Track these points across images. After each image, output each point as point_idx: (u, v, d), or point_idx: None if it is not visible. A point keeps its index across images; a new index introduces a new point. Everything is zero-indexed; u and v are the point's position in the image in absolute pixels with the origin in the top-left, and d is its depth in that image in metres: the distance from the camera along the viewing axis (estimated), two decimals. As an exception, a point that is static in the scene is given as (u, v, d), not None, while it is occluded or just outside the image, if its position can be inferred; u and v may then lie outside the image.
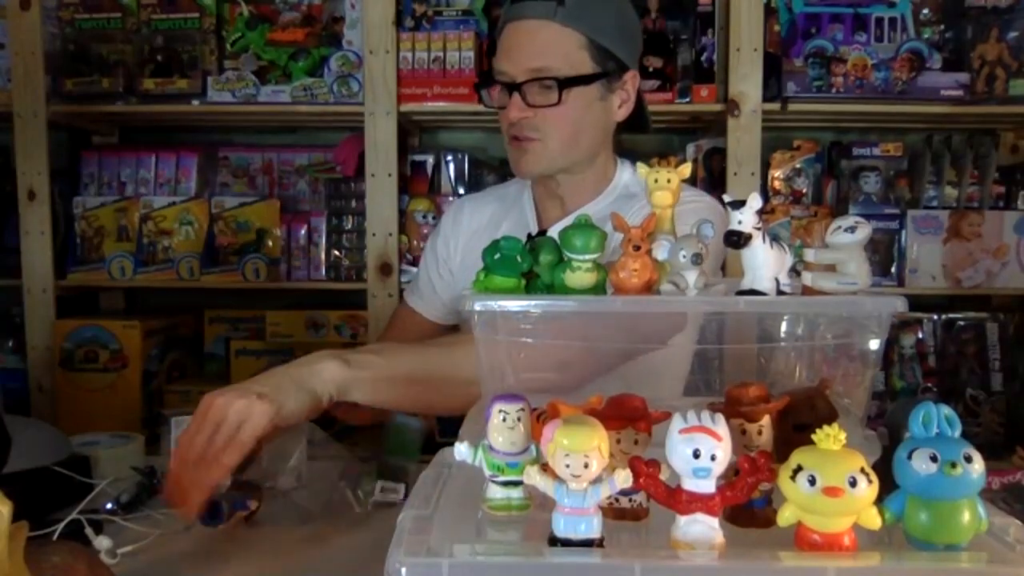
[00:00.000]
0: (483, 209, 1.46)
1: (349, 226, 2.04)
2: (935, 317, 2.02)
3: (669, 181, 0.72)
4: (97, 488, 1.03)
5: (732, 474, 0.59)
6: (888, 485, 0.57)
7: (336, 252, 2.05)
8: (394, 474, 1.09)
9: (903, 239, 1.94)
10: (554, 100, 1.24)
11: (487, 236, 1.37)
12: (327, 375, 0.96)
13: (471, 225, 1.46)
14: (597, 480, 0.56)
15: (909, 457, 0.56)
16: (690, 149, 2.05)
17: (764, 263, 0.68)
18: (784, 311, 0.76)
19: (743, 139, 1.88)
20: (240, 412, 0.88)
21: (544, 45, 1.24)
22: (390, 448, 1.13)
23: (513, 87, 1.25)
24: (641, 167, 0.75)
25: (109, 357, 1.95)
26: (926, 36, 1.95)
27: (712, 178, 1.97)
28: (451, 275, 1.47)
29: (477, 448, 0.65)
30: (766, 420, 0.65)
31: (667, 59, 1.92)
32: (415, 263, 1.89)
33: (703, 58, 1.90)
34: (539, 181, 1.36)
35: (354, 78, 1.92)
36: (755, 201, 0.67)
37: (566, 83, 1.23)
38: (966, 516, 0.56)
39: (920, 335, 2.02)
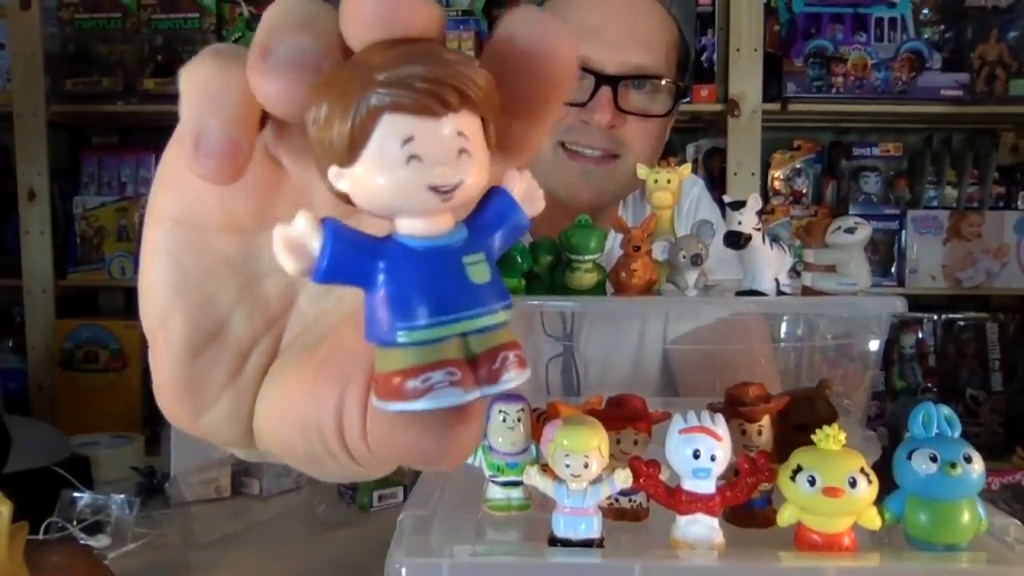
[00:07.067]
0: None
1: (349, 226, 2.04)
2: (935, 317, 2.02)
3: (669, 182, 0.72)
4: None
5: (732, 474, 0.59)
6: (888, 485, 0.57)
7: (336, 252, 2.04)
8: (387, 476, 1.10)
9: (903, 239, 1.94)
10: (662, 109, 0.94)
11: None
12: None
13: None
14: (597, 480, 0.56)
15: (909, 457, 0.56)
16: (690, 149, 2.05)
17: (764, 264, 0.68)
18: (784, 311, 0.76)
19: (743, 139, 1.88)
20: None
21: (651, 32, 0.93)
22: None
23: (604, 80, 0.90)
24: (640, 168, 0.75)
25: (109, 357, 1.95)
26: (926, 36, 1.95)
27: (712, 178, 1.97)
28: None
29: (477, 448, 0.65)
30: (766, 420, 0.65)
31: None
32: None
33: (703, 58, 1.90)
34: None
35: (354, 78, 1.91)
36: (755, 202, 0.67)
37: (683, 91, 0.95)
38: (966, 516, 0.56)
39: (920, 335, 2.02)
